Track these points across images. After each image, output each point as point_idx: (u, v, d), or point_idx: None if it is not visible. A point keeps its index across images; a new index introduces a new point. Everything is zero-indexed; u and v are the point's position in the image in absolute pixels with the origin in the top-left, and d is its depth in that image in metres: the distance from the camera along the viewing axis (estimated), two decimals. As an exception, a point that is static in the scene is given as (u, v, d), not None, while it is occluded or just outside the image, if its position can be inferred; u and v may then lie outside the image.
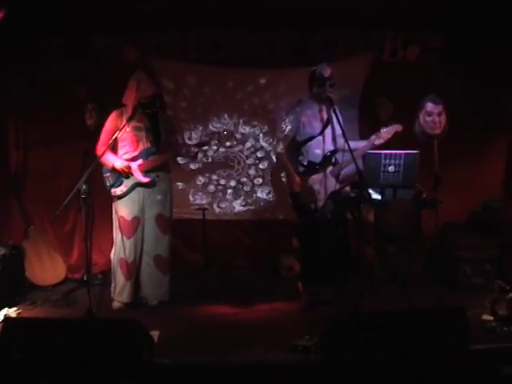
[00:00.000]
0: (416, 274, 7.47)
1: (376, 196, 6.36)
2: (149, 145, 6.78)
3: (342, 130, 6.31)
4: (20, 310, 6.75)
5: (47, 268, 7.85)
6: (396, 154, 6.15)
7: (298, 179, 6.47)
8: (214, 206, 8.64)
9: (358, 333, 4.44)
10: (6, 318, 5.89)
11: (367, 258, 7.29)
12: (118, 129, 6.64)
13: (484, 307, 6.06)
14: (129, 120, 6.58)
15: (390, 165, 6.15)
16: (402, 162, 6.13)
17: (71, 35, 7.89)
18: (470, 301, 5.92)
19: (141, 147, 6.77)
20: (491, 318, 5.86)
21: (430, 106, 6.54)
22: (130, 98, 6.72)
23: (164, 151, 6.85)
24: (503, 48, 7.82)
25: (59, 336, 4.39)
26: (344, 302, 6.48)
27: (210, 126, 8.46)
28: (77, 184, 6.25)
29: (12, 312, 6.65)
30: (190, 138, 8.39)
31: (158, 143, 6.82)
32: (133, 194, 6.78)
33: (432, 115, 6.52)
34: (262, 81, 8.54)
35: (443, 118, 6.53)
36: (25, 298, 7.22)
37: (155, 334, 5.35)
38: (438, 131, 6.48)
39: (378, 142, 6.47)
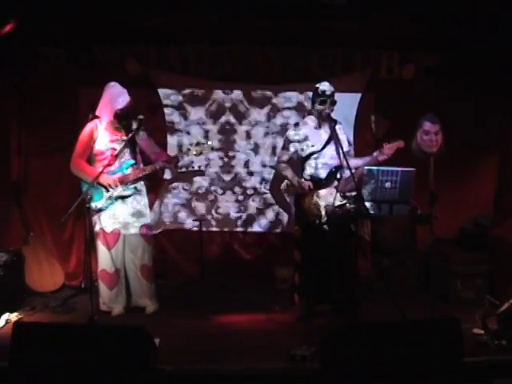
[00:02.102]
0: (410, 288, 7.60)
1: (373, 211, 6.48)
2: (127, 157, 6.88)
3: (341, 148, 6.46)
4: (21, 316, 6.84)
5: (46, 274, 7.91)
6: (393, 170, 6.30)
7: (306, 182, 6.57)
8: (213, 211, 8.74)
9: (355, 343, 4.53)
10: (17, 323, 5.93)
11: (363, 270, 7.39)
12: (93, 141, 6.78)
13: (475, 321, 6.15)
14: (109, 132, 6.81)
15: (387, 181, 6.30)
16: (398, 178, 6.29)
17: (74, 45, 8.01)
18: (461, 314, 5.95)
19: (120, 160, 6.86)
20: (482, 331, 5.96)
21: (427, 125, 6.68)
22: (105, 111, 6.82)
23: (142, 163, 6.97)
24: (494, 68, 7.98)
25: (68, 341, 4.47)
26: (340, 314, 6.61)
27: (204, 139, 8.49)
28: (81, 192, 6.42)
29: (13, 317, 6.72)
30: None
31: (135, 156, 6.93)
32: (113, 207, 6.87)
33: (429, 134, 6.66)
34: (261, 96, 8.63)
35: (440, 137, 6.67)
36: (24, 304, 7.30)
37: (156, 341, 5.43)
38: (434, 150, 6.62)
39: (381, 158, 6.58)
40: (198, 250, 8.14)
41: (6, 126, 8.28)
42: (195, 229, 8.37)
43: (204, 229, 8.30)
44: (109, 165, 6.74)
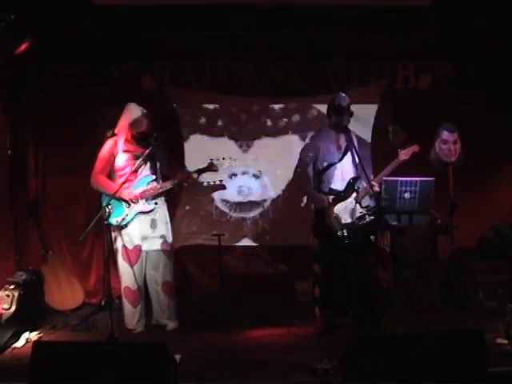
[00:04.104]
0: (431, 299, 7.54)
1: (393, 222, 6.44)
2: (147, 173, 6.87)
3: (359, 158, 6.42)
4: (41, 334, 6.86)
5: (66, 293, 7.91)
6: (412, 180, 6.26)
7: (324, 196, 6.54)
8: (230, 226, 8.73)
9: (378, 356, 4.49)
10: (37, 342, 5.91)
11: (383, 282, 7.35)
12: (113, 157, 6.78)
13: (498, 331, 6.08)
14: (129, 150, 6.78)
15: (406, 191, 6.26)
16: (417, 188, 6.25)
17: (89, 64, 8.04)
18: (483, 324, 5.90)
19: (140, 175, 6.84)
20: (506, 341, 5.90)
21: (445, 134, 6.64)
22: (122, 131, 6.81)
23: (162, 178, 6.94)
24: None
25: (88, 359, 4.45)
26: (360, 327, 6.57)
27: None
28: (99, 210, 6.40)
29: (33, 336, 6.75)
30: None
31: (155, 171, 6.91)
32: (134, 223, 6.84)
33: (447, 143, 6.63)
34: (277, 109, 8.63)
35: (458, 146, 6.64)
36: (44, 323, 7.30)
37: (177, 357, 5.40)
38: (453, 159, 6.58)
39: (394, 164, 6.55)
40: (217, 264, 8.13)
41: (22, 145, 8.30)
42: (214, 243, 8.32)
43: (222, 243, 8.26)
44: (128, 180, 6.72)
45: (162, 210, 6.99)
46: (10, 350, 6.38)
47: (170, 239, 7.07)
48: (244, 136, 8.68)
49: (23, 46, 6.68)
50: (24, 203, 8.20)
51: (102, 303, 8.02)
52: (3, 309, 6.68)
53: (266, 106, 8.66)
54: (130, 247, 6.84)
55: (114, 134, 6.87)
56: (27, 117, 8.28)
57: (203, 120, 8.64)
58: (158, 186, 6.82)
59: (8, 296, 6.77)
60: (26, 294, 6.99)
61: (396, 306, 7.05)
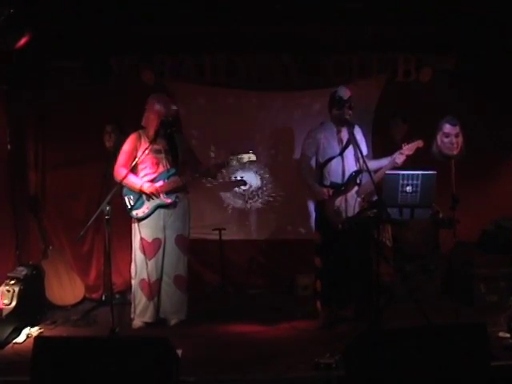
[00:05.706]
0: (434, 292, 7.53)
1: (394, 216, 6.40)
2: (168, 166, 6.85)
3: (360, 152, 6.39)
4: (42, 330, 6.84)
5: (66, 288, 7.89)
6: (414, 174, 6.21)
7: (325, 189, 6.53)
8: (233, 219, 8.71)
9: (380, 349, 4.47)
10: (38, 337, 5.89)
11: (385, 276, 7.32)
12: (136, 151, 6.74)
13: (500, 324, 6.09)
14: (152, 142, 6.67)
15: (407, 185, 6.21)
16: (419, 182, 6.18)
17: (89, 58, 8.00)
18: (485, 318, 5.92)
19: (161, 169, 6.82)
20: (508, 335, 5.89)
21: (447, 127, 6.61)
22: (151, 120, 6.76)
23: (183, 172, 6.91)
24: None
25: (89, 354, 4.43)
26: (362, 320, 6.55)
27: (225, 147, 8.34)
28: (99, 205, 6.35)
29: (34, 331, 6.73)
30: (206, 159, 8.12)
31: (176, 164, 6.89)
32: (154, 216, 6.83)
33: (449, 136, 6.60)
34: (278, 103, 8.59)
35: (460, 139, 6.61)
36: (45, 318, 7.27)
37: (178, 352, 5.38)
38: (455, 152, 6.55)
39: (400, 160, 6.51)
40: (219, 259, 8.11)
41: (22, 140, 8.28)
42: (215, 238, 8.30)
43: (224, 238, 8.26)
44: (148, 174, 6.79)
45: (182, 204, 6.98)
46: (10, 345, 6.37)
47: (186, 233, 7.08)
48: (244, 131, 8.65)
49: (23, 40, 6.65)
50: (24, 198, 8.18)
51: (103, 298, 8.01)
52: (4, 304, 6.65)
53: (267, 99, 8.61)
54: (150, 240, 6.84)
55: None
56: (27, 111, 8.26)
57: (203, 114, 8.61)
58: (179, 180, 6.81)
59: (8, 291, 6.73)
60: (27, 290, 6.96)
61: (398, 300, 7.04)
